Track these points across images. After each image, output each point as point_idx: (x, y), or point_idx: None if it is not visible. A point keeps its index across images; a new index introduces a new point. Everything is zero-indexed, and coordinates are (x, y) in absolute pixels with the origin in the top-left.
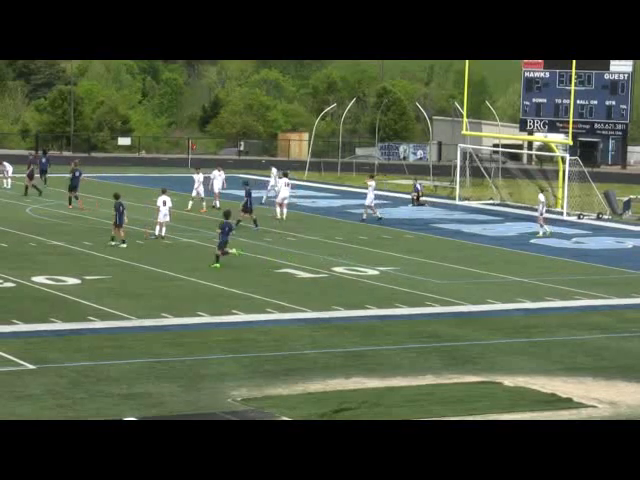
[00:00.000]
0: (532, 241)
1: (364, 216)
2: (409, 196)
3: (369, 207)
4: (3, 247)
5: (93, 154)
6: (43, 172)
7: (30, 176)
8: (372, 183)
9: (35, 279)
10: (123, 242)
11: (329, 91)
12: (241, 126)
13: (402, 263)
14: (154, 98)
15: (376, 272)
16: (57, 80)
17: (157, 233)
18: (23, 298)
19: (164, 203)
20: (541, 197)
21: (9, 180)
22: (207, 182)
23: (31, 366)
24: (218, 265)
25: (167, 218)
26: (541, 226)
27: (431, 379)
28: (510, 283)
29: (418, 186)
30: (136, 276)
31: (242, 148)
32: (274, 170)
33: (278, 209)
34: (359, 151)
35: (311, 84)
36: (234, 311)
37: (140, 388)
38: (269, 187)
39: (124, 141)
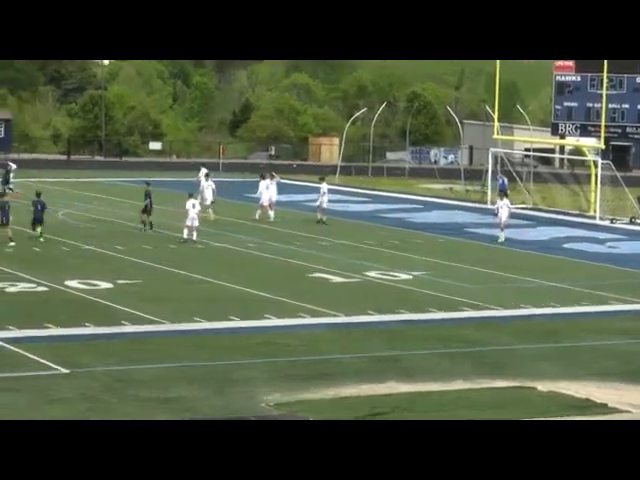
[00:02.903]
0: (565, 245)
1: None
2: (441, 200)
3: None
4: (36, 251)
5: (124, 158)
6: None
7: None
8: (324, 186)
9: (68, 283)
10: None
11: (359, 95)
12: (271, 130)
13: (434, 267)
14: (185, 102)
15: (409, 276)
16: (88, 85)
17: (186, 237)
18: (56, 302)
19: (193, 206)
20: (506, 202)
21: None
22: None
23: (64, 370)
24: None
25: (196, 222)
26: (501, 230)
27: (462, 384)
28: (542, 287)
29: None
30: (168, 280)
31: (272, 152)
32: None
33: (260, 210)
34: (390, 155)
35: (341, 88)
36: (266, 315)
37: (172, 392)
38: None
39: (155, 145)
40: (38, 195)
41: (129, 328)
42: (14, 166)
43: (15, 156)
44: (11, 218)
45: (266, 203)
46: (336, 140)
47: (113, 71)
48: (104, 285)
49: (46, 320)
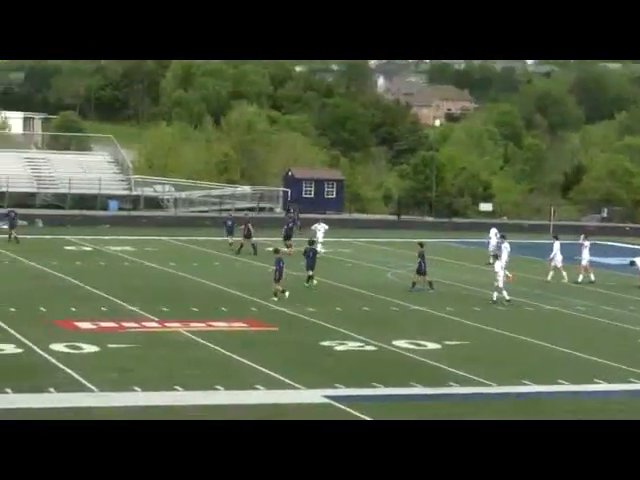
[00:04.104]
0: None
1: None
2: None
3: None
4: (366, 311)
5: (454, 219)
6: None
7: (246, 235)
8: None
9: (396, 342)
10: (283, 292)
11: None
12: (604, 192)
13: None
14: (516, 164)
15: None
16: (419, 146)
17: (494, 297)
18: (384, 362)
19: (501, 267)
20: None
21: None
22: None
23: None
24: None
25: (500, 283)
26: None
27: None
28: None
29: None
30: (496, 342)
31: (605, 214)
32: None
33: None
34: None
35: None
36: (596, 380)
37: None
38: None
39: (485, 207)
40: (311, 244)
41: (457, 389)
42: (325, 227)
43: (346, 216)
44: (284, 275)
45: (584, 263)
46: None
47: (445, 133)
48: (432, 346)
49: (373, 379)
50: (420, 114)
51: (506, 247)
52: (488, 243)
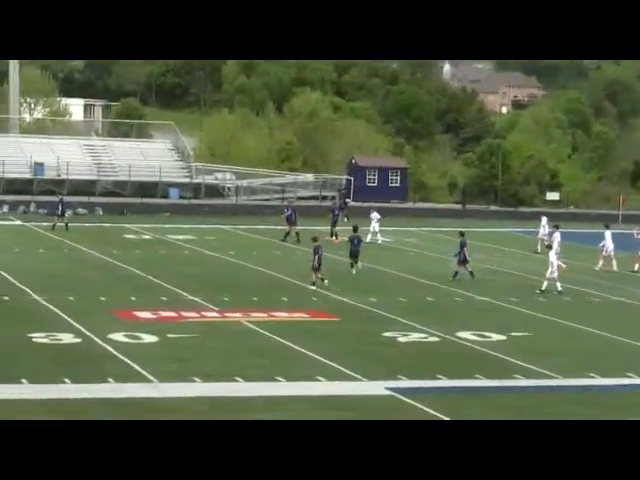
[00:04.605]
0: None
1: None
2: None
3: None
4: (430, 301)
5: (520, 209)
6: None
7: (290, 221)
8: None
9: (460, 334)
10: (322, 280)
11: None
12: None
13: None
14: (584, 152)
15: None
16: (486, 134)
17: (543, 288)
18: (447, 353)
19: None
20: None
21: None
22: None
23: (446, 418)
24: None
25: (555, 273)
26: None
27: None
28: None
29: None
30: (559, 332)
31: None
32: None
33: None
34: None
35: None
36: None
37: None
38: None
39: (552, 196)
40: (355, 230)
41: (521, 382)
42: (378, 216)
43: (410, 205)
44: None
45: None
46: None
47: (511, 120)
48: (496, 337)
49: (437, 371)
50: (486, 101)
51: (557, 237)
52: (538, 232)
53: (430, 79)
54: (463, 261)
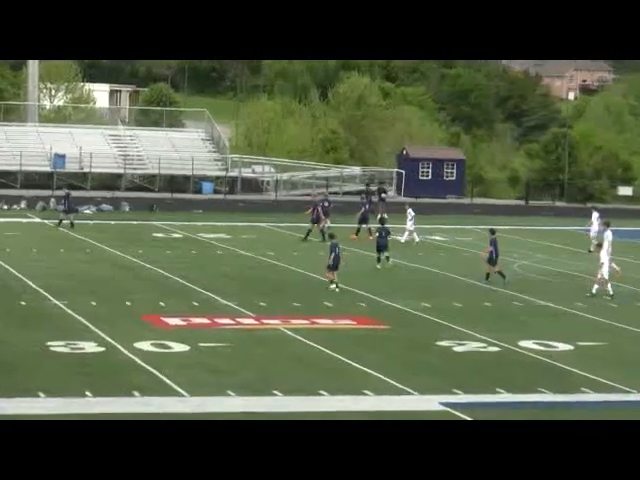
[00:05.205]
0: None
1: None
2: None
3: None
4: (487, 307)
5: (589, 204)
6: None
7: (315, 220)
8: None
9: (522, 343)
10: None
11: None
12: None
13: None
14: None
15: None
16: (552, 122)
17: (593, 290)
18: (508, 364)
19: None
20: None
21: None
22: None
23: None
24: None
25: (606, 275)
26: None
27: None
28: None
29: None
30: (634, 342)
31: None
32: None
33: None
34: None
35: None
36: None
37: None
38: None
39: (625, 191)
40: (381, 222)
41: (590, 397)
42: (412, 213)
43: (468, 201)
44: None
45: None
46: None
47: (579, 107)
48: (563, 347)
49: (498, 384)
50: (552, 86)
51: (607, 236)
52: (589, 229)
53: (489, 62)
54: (492, 260)
